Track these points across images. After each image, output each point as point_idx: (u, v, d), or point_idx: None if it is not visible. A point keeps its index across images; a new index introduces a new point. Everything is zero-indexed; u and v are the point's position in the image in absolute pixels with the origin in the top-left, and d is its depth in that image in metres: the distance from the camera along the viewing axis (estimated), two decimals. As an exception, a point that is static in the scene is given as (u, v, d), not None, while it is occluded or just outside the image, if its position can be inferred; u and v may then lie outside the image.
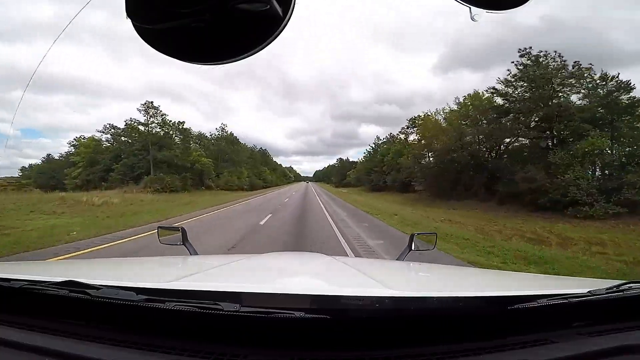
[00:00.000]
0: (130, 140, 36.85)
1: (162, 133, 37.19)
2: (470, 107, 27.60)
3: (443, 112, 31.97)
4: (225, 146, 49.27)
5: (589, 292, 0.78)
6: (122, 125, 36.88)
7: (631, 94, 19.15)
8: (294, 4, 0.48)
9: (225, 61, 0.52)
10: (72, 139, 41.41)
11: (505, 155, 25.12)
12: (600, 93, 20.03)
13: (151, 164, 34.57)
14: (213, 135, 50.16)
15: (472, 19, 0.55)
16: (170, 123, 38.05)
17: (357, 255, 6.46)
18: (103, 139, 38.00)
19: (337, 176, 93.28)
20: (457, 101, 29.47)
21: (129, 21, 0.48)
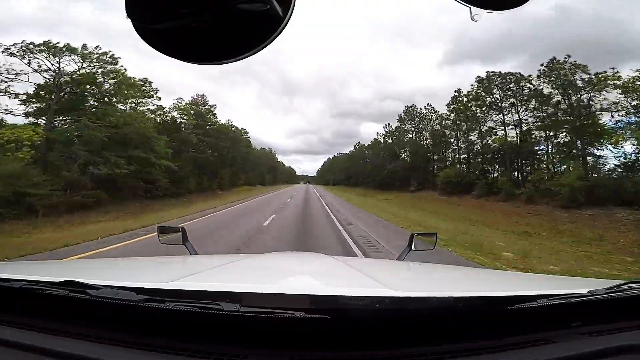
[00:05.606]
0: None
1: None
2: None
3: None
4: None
5: (589, 292, 0.78)
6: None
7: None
8: (294, 3, 0.48)
9: (225, 61, 0.52)
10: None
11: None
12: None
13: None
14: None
15: (472, 19, 0.55)
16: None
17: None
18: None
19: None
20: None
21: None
